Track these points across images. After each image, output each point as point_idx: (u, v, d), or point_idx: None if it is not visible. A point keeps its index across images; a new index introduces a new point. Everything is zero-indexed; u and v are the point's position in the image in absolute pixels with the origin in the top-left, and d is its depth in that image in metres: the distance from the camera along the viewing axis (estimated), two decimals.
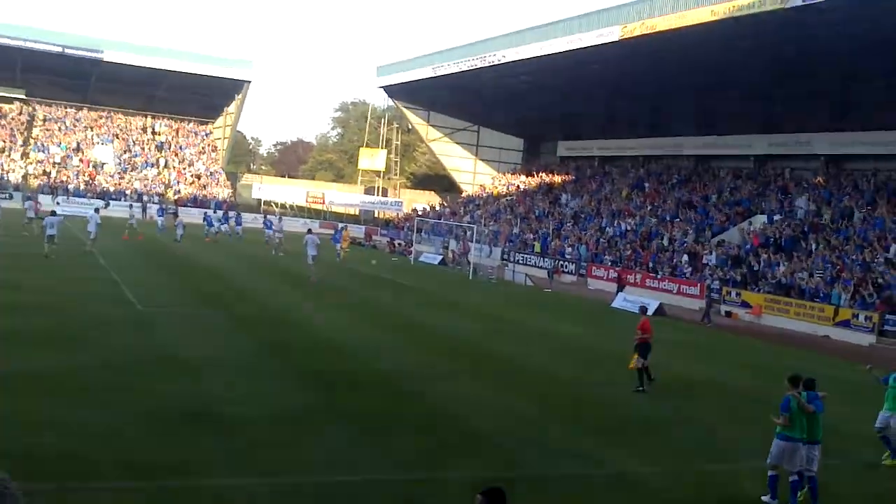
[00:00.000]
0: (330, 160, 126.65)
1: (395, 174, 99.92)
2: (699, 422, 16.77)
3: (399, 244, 63.61)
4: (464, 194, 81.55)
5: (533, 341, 25.24)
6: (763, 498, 11.96)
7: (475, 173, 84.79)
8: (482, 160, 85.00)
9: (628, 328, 30.43)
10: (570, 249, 53.33)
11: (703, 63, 49.67)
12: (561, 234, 57.10)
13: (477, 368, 19.96)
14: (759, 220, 46.70)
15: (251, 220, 66.97)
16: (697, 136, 59.30)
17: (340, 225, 65.97)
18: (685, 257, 45.05)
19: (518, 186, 74.14)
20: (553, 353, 23.34)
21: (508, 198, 71.61)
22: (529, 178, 74.67)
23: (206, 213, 61.77)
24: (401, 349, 21.42)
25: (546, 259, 51.93)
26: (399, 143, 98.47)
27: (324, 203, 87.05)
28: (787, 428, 11.92)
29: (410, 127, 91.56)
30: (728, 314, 39.07)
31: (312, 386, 16.46)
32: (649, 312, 36.01)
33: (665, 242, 48.60)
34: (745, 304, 39.04)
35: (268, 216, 63.55)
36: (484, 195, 76.16)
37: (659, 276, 44.26)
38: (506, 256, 54.83)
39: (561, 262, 51.55)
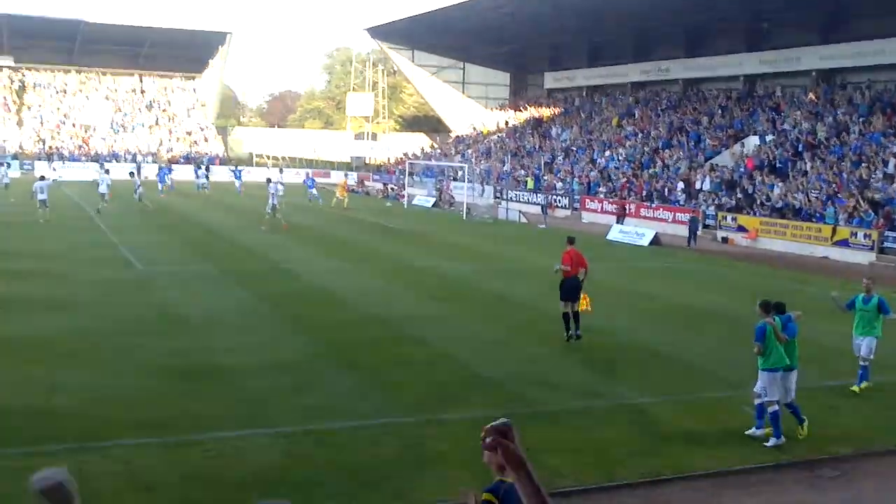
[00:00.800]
0: (318, 108, 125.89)
1: (384, 118, 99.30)
2: (699, 350, 16.92)
3: (392, 188, 63.53)
4: (453, 134, 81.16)
5: (527, 278, 25.36)
6: (748, 432, 11.77)
7: (464, 112, 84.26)
8: (470, 97, 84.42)
9: (624, 260, 30.87)
10: (561, 184, 53.35)
11: None
12: (553, 168, 57.04)
13: (473, 309, 20.18)
14: (752, 141, 46.50)
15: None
16: (686, 59, 58.86)
17: (335, 175, 65.60)
18: (679, 184, 45.02)
19: (507, 122, 73.76)
20: (550, 289, 23.46)
21: (498, 135, 71.32)
22: (518, 112, 74.29)
23: (160, 168, 62.28)
24: (397, 294, 21.67)
25: (539, 195, 51.93)
26: (385, 86, 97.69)
27: (314, 151, 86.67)
28: (767, 358, 11.55)
29: (396, 69, 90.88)
30: (724, 240, 39.18)
31: (312, 335, 16.65)
32: (643, 242, 36.28)
33: (658, 170, 48.55)
34: (741, 229, 39.11)
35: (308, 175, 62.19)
36: (473, 134, 75.82)
37: (653, 206, 44.32)
38: (498, 195, 54.86)
39: (554, 197, 51.58)
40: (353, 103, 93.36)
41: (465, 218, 46.07)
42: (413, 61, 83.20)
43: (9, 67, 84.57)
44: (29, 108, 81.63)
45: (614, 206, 44.85)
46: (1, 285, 20.13)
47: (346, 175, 59.77)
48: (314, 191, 51.67)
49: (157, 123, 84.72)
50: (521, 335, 17.60)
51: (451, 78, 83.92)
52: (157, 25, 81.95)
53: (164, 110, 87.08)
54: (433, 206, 53.73)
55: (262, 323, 17.61)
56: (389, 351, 15.52)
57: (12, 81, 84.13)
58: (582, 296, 16.72)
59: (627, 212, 44.08)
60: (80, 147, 76.83)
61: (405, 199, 55.73)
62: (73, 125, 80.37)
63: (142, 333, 16.00)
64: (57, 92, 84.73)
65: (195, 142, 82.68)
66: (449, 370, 14.58)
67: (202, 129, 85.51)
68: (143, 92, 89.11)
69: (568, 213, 50.24)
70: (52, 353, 14.35)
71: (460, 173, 55.87)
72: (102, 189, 39.37)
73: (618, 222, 41.45)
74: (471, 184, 52.26)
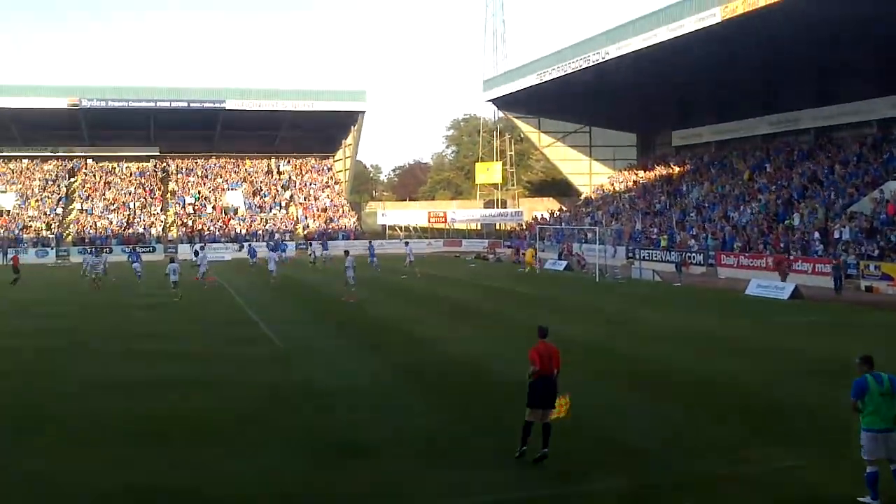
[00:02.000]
0: (447, 178, 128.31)
1: (512, 185, 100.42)
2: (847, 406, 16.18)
3: (523, 254, 64.02)
4: (582, 196, 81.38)
5: (666, 338, 25.07)
6: (860, 499, 10.67)
7: (591, 174, 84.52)
8: (597, 160, 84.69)
9: (765, 315, 30.14)
10: (695, 241, 52.74)
11: (815, 30, 47.30)
12: (685, 225, 56.47)
13: (609, 371, 19.97)
14: (891, 186, 44.97)
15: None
16: (815, 108, 57.67)
17: (467, 243, 66.42)
18: (816, 235, 43.94)
19: (635, 182, 73.58)
20: (687, 347, 23.26)
21: (627, 195, 71.16)
22: (647, 172, 74.01)
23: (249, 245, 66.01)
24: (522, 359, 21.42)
25: (672, 253, 51.46)
26: (513, 153, 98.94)
27: (445, 221, 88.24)
28: (868, 415, 10.64)
29: (522, 136, 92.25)
30: (869, 289, 37.89)
31: (450, 405, 16.71)
32: (783, 295, 35.38)
33: (794, 222, 47.50)
34: (885, 277, 37.76)
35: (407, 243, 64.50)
36: (602, 195, 75.87)
37: (791, 258, 43.27)
38: (630, 255, 54.56)
39: (688, 255, 50.99)
40: (482, 172, 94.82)
41: (597, 280, 45.95)
42: (539, 128, 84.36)
43: (154, 157, 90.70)
44: (172, 193, 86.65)
45: (773, 259, 43.51)
46: (144, 365, 21.13)
47: (532, 243, 60.61)
48: (375, 259, 52.99)
49: (292, 202, 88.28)
50: (659, 398, 17.21)
51: (578, 142, 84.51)
52: (292, 109, 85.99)
53: (299, 189, 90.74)
54: (565, 269, 53.80)
55: (400, 394, 17.71)
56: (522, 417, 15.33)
57: (157, 170, 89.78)
58: (558, 399, 13.02)
59: (762, 266, 43.12)
60: (221, 228, 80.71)
61: (537, 263, 56.07)
62: (214, 208, 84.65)
63: (283, 410, 16.40)
64: (198, 177, 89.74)
65: (330, 218, 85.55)
66: (585, 437, 14.25)
67: (336, 206, 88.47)
68: (279, 173, 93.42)
69: (703, 269, 49.54)
70: (194, 432, 14.79)
71: (591, 235, 55.93)
72: (271, 266, 44.71)
73: (780, 277, 40.22)
74: (602, 245, 52.24)
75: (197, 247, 56.09)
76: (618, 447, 13.80)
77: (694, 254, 51.41)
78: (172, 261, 39.24)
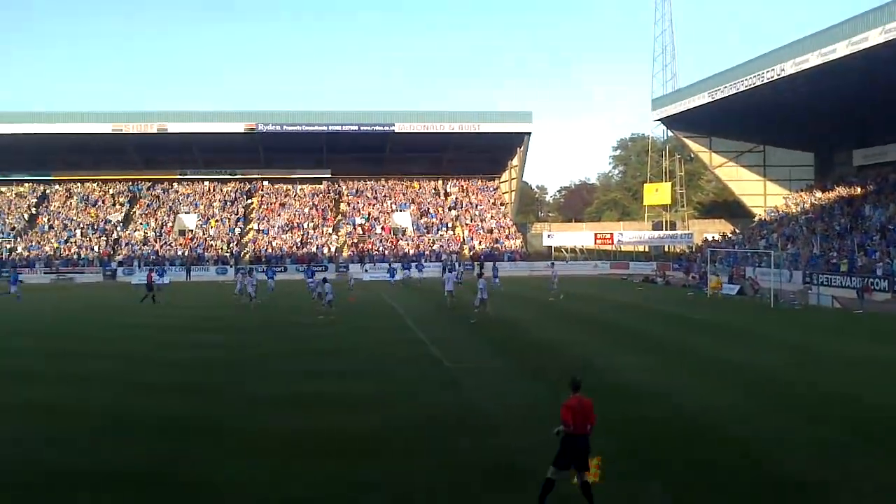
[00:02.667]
0: (615, 199, 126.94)
1: (682, 206, 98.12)
2: None
3: (693, 277, 62.35)
4: (755, 218, 78.56)
5: (847, 370, 23.76)
6: None
7: (765, 195, 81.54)
8: (771, 180, 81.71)
9: None
10: (880, 266, 49.85)
11: None
12: (867, 249, 53.55)
13: (788, 405, 18.97)
14: None
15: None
16: None
17: (634, 265, 65.19)
18: None
19: (813, 204, 70.40)
20: (872, 381, 21.95)
21: (804, 217, 68.16)
22: (825, 193, 70.70)
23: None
24: (700, 389, 20.78)
25: (853, 278, 48.82)
26: (682, 173, 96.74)
27: (612, 242, 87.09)
28: None
29: (692, 155, 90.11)
30: None
31: (613, 433, 16.07)
32: None
33: None
34: None
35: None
36: (777, 216, 72.98)
37: None
38: (808, 280, 52.12)
39: (871, 280, 48.25)
40: (651, 193, 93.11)
41: (772, 306, 44.12)
42: (710, 148, 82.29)
43: (326, 178, 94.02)
44: (343, 214, 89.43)
45: None
46: (311, 384, 21.71)
47: (704, 268, 59.32)
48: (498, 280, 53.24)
49: (458, 223, 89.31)
50: (846, 433, 16.19)
51: (751, 162, 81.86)
52: (459, 131, 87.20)
53: (466, 210, 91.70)
54: (738, 293, 51.94)
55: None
56: (698, 453, 14.87)
57: (329, 191, 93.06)
58: (592, 460, 11.90)
59: None
60: (390, 249, 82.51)
61: (707, 287, 54.42)
62: (382, 228, 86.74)
63: (449, 431, 16.49)
64: (367, 199, 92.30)
65: (496, 239, 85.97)
66: (758, 475, 13.58)
67: (503, 227, 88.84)
68: (446, 194, 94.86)
69: (888, 296, 46.74)
70: (355, 450, 15.09)
71: (765, 259, 53.84)
72: (448, 286, 42.56)
73: None
74: (777, 269, 50.13)
75: (319, 275, 56.52)
76: (797, 488, 13.09)
77: (878, 279, 48.60)
78: (325, 281, 40.49)
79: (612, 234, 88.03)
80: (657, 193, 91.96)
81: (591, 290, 50.31)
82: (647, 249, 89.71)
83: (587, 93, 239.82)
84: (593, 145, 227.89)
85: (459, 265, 74.02)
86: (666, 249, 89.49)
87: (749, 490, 12.92)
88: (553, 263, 61.03)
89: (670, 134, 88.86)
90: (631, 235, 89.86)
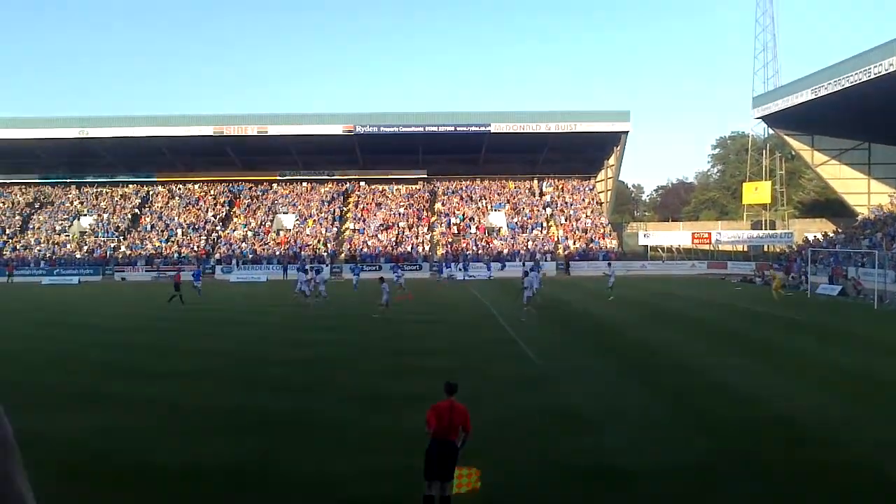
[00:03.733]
0: (713, 198, 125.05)
1: (782, 205, 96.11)
2: None
3: (793, 277, 61.19)
4: (859, 217, 76.51)
5: None
6: None
7: (869, 193, 79.34)
8: (876, 179, 79.47)
9: None
10: None
11: None
12: None
13: (887, 408, 18.47)
14: None
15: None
16: None
17: (731, 265, 64.37)
18: None
19: None
20: None
21: None
22: None
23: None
24: (796, 391, 20.41)
25: None
26: (783, 171, 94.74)
27: (710, 242, 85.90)
28: None
29: (793, 153, 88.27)
30: None
31: (713, 435, 15.96)
32: None
33: None
34: None
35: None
36: (882, 215, 70.98)
37: None
38: None
39: None
40: (750, 192, 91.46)
41: (875, 307, 43.09)
42: (812, 146, 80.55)
43: (422, 178, 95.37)
44: (438, 214, 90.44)
45: None
46: (402, 379, 22.07)
47: (775, 268, 58.35)
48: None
49: (553, 222, 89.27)
50: None
51: (855, 159, 79.77)
52: (555, 131, 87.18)
53: (561, 210, 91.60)
54: (839, 294, 50.83)
55: (660, 420, 17.16)
56: (793, 453, 14.51)
57: (424, 191, 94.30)
58: (457, 471, 10.67)
59: None
60: (484, 248, 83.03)
61: (808, 288, 53.42)
62: (477, 228, 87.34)
63: (541, 429, 16.45)
64: (462, 198, 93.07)
65: (591, 239, 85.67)
66: (865, 480, 13.04)
67: (598, 226, 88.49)
68: (541, 194, 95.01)
69: None
70: None
71: (868, 259, 52.55)
72: (536, 284, 41.72)
73: None
74: (881, 269, 48.88)
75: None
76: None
77: None
78: (382, 281, 41.48)
79: (709, 234, 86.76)
80: (756, 192, 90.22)
81: (688, 290, 49.86)
82: (745, 249, 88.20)
83: (686, 91, 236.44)
84: (691, 144, 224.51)
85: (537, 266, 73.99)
86: (765, 249, 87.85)
87: (861, 499, 12.36)
88: (610, 263, 60.32)
89: (771, 132, 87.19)
90: (729, 235, 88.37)
